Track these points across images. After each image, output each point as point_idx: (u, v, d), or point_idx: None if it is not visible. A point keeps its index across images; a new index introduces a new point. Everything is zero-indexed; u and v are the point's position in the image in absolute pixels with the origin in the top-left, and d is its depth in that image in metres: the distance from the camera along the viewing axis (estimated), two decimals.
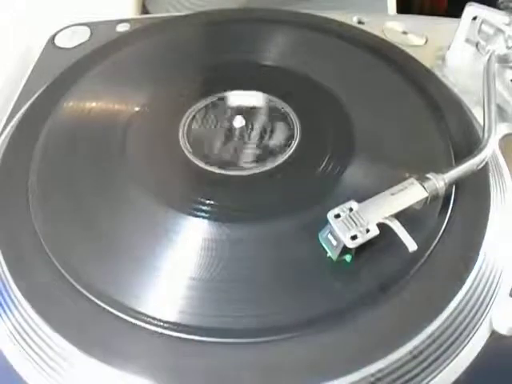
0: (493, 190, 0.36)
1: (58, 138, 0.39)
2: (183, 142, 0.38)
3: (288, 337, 0.29)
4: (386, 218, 0.31)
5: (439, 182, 0.32)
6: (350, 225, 0.30)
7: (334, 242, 0.31)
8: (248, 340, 0.29)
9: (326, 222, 0.31)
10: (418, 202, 0.32)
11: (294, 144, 0.38)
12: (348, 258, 0.31)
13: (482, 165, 0.34)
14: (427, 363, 0.29)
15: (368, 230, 0.30)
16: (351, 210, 0.31)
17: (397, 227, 0.30)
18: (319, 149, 0.38)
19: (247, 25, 0.48)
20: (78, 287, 0.31)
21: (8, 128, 0.42)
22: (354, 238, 0.30)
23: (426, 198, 0.32)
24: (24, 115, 0.42)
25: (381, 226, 0.31)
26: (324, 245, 0.32)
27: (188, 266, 0.32)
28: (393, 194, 0.32)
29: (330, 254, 0.31)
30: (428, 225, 0.33)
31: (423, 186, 0.32)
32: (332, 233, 0.31)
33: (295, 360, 0.29)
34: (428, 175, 0.32)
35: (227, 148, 0.38)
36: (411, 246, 0.30)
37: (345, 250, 0.31)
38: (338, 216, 0.31)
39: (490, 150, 0.34)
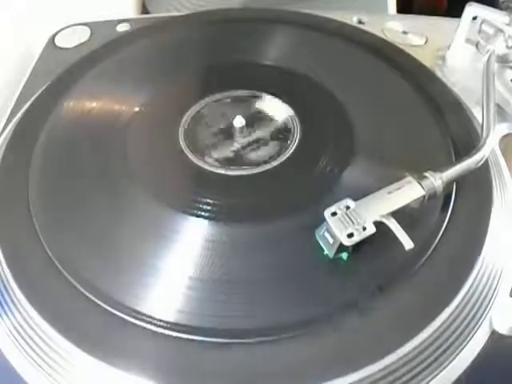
0: (493, 190, 0.36)
1: (57, 138, 0.39)
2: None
3: (287, 337, 0.29)
4: (383, 216, 0.31)
5: (437, 180, 0.32)
6: (346, 223, 0.30)
7: (331, 240, 0.31)
8: (247, 340, 0.29)
9: (323, 219, 0.31)
10: (415, 201, 0.32)
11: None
12: (344, 255, 0.31)
13: (480, 163, 0.34)
14: (427, 363, 0.29)
15: (364, 228, 0.30)
16: (348, 207, 0.31)
17: (393, 225, 0.30)
18: (319, 148, 0.38)
19: (247, 25, 0.48)
20: (78, 287, 0.31)
21: (8, 128, 0.42)
22: (350, 235, 0.30)
23: (424, 196, 0.32)
24: (24, 115, 0.42)
25: (380, 225, 0.31)
26: (321, 242, 0.32)
27: (188, 265, 0.32)
28: (390, 193, 0.32)
29: (326, 251, 0.31)
30: (429, 225, 0.33)
31: (420, 185, 0.32)
32: (328, 230, 0.31)
33: (295, 360, 0.29)
34: (426, 174, 0.32)
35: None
36: (408, 244, 0.30)
37: (341, 247, 0.31)
38: (334, 214, 0.31)
39: (489, 148, 0.34)
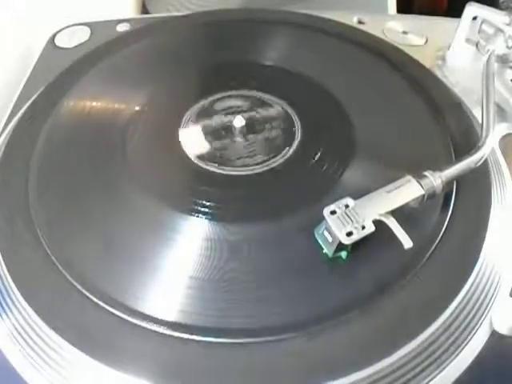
0: (493, 190, 0.36)
1: (57, 138, 0.39)
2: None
3: (288, 337, 0.29)
4: (382, 214, 0.31)
5: (436, 179, 0.32)
6: (345, 221, 0.30)
7: (330, 239, 0.31)
8: (248, 340, 0.29)
9: (323, 218, 0.31)
10: (414, 200, 0.32)
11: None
12: (343, 254, 0.31)
13: (479, 163, 0.34)
14: (427, 363, 0.29)
15: (364, 227, 0.30)
16: (347, 206, 0.31)
17: (393, 224, 0.30)
18: (319, 149, 0.38)
19: (247, 25, 0.48)
20: (78, 287, 0.31)
21: (8, 128, 0.42)
22: (349, 234, 0.30)
23: (423, 195, 0.32)
24: (24, 115, 0.42)
25: (380, 224, 0.31)
26: (320, 241, 0.32)
27: (188, 265, 0.32)
28: (389, 191, 0.32)
29: (325, 250, 0.31)
30: (429, 225, 0.33)
31: (420, 184, 0.32)
32: (328, 229, 0.31)
33: (295, 360, 0.29)
34: (425, 173, 0.32)
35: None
36: (407, 243, 0.30)
37: (340, 246, 0.31)
38: (333, 212, 0.31)
39: (488, 148, 0.34)
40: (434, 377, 0.29)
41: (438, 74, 0.45)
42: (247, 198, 0.36)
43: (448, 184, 0.33)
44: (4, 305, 0.32)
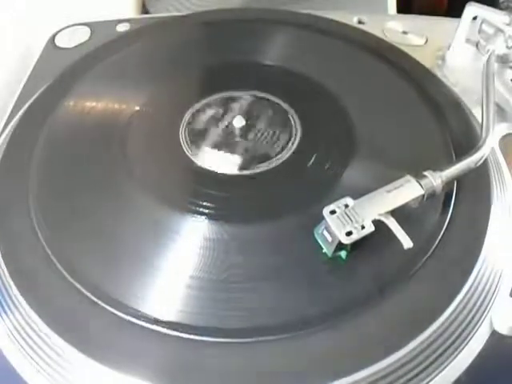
0: (493, 190, 0.36)
1: (58, 138, 0.39)
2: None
3: (287, 337, 0.29)
4: (382, 214, 0.31)
5: (436, 179, 0.32)
6: (345, 221, 0.30)
7: (329, 238, 0.31)
8: (248, 340, 0.29)
9: (322, 218, 0.31)
10: (414, 200, 0.32)
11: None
12: (343, 254, 0.31)
13: (479, 163, 0.34)
14: (427, 363, 0.29)
15: (363, 227, 0.30)
16: (347, 206, 0.31)
17: (392, 224, 0.30)
18: (319, 148, 0.38)
19: (247, 25, 0.48)
20: (78, 287, 0.31)
21: (8, 128, 0.42)
22: (349, 234, 0.30)
23: (423, 195, 0.32)
24: (24, 115, 0.42)
25: (380, 224, 0.31)
26: (319, 241, 0.32)
27: (188, 265, 0.32)
28: (389, 191, 0.32)
29: (325, 250, 0.31)
30: (429, 225, 0.33)
31: (420, 184, 0.32)
32: (327, 229, 0.31)
33: (295, 360, 0.29)
34: (425, 173, 0.32)
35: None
36: (407, 243, 0.30)
37: (340, 246, 0.31)
38: (333, 212, 0.31)
39: (488, 148, 0.34)
40: (434, 377, 0.29)
41: (438, 73, 0.45)
42: (247, 198, 0.36)
43: (448, 184, 0.33)
44: (4, 305, 0.32)
